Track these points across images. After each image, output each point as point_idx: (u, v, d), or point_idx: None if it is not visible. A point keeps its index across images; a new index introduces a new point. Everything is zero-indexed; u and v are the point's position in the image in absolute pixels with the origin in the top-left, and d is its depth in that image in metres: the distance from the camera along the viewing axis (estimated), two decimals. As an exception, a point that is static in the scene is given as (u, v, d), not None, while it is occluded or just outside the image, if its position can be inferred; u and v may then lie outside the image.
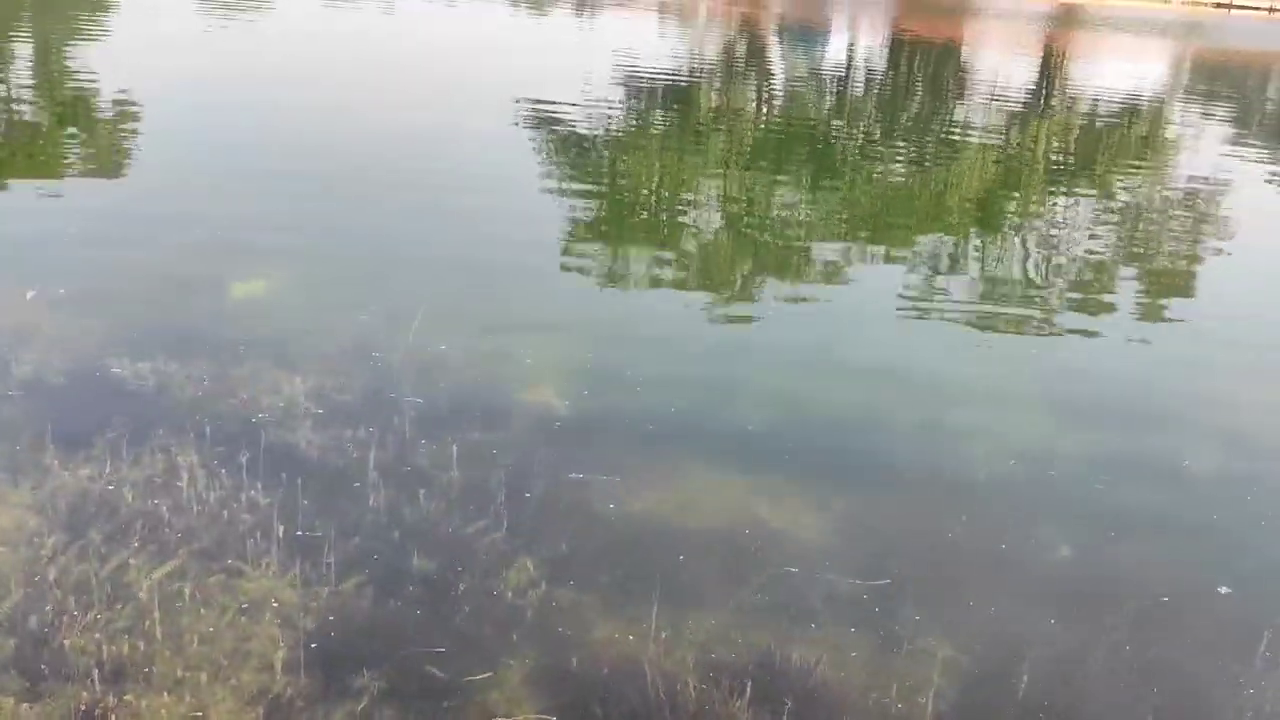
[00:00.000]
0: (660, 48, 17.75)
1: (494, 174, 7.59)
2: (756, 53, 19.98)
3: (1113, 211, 9.18)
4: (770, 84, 15.74)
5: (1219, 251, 7.99)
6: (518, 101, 10.74)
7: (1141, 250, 7.86)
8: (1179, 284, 7.05)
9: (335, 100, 9.64)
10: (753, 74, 16.70)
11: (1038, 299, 6.30)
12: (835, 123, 12.95)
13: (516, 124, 9.84)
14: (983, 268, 6.99)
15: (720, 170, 9.33)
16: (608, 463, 3.32)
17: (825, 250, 6.92)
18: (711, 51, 19.03)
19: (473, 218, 6.27)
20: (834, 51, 20.71)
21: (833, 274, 6.32)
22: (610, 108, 11.50)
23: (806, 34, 23.31)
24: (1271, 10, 55.41)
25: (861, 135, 12.12)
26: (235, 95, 9.39)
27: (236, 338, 3.94)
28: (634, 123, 11.23)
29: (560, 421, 3.56)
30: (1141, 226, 8.72)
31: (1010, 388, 4.20)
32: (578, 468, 3.26)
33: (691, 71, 15.87)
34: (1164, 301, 6.48)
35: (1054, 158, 11.65)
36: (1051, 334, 5.47)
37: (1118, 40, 26.45)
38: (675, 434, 3.55)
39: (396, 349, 3.92)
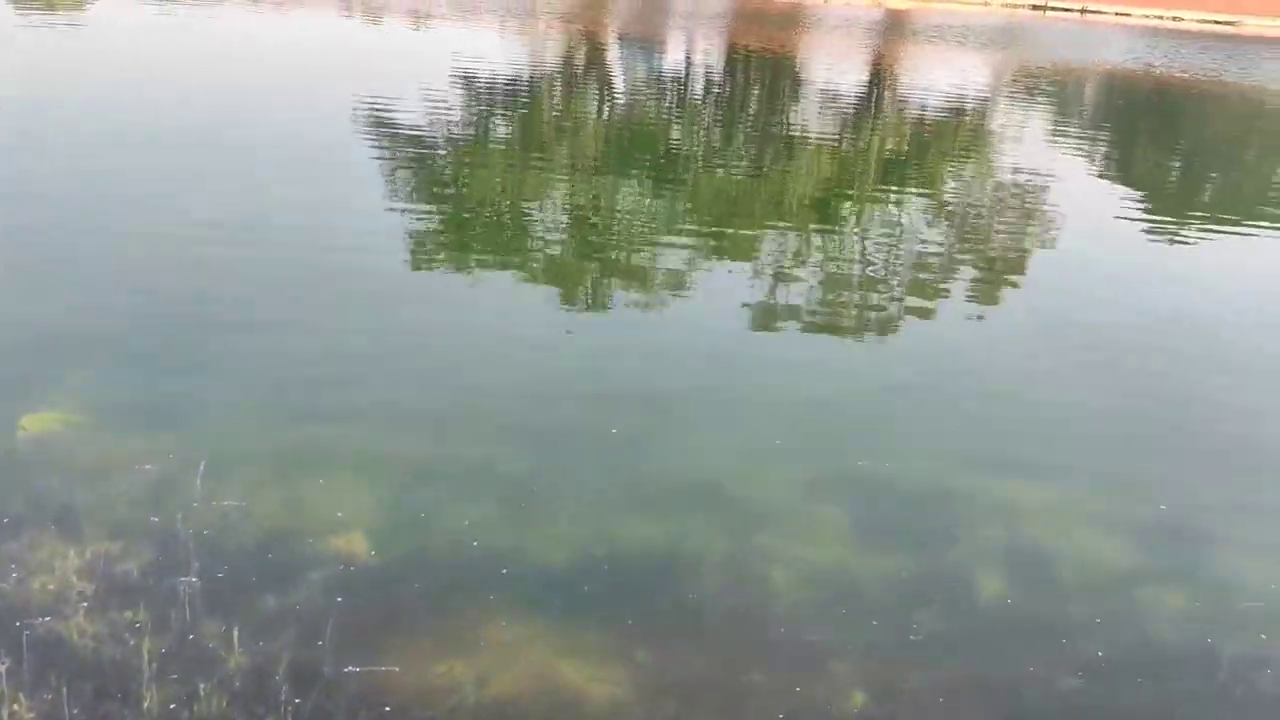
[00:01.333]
0: (500, 58, 17.66)
1: (322, 193, 7.46)
2: (597, 63, 20.05)
3: (942, 206, 9.77)
4: (611, 92, 15.87)
5: (1043, 243, 8.63)
6: (354, 112, 10.73)
7: (970, 243, 8.44)
8: (1007, 274, 7.63)
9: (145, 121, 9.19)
10: (594, 83, 16.81)
11: (877, 293, 6.78)
12: (676, 129, 13.21)
13: (352, 134, 9.81)
14: (823, 263, 7.39)
15: (566, 176, 9.39)
16: (404, 630, 3.22)
17: (671, 254, 7.17)
18: (552, 62, 19.02)
19: (304, 240, 6.18)
20: (672, 61, 20.96)
21: (678, 279, 6.63)
22: (450, 116, 11.51)
23: (645, 44, 23.50)
24: (1084, 11, 58.83)
25: (702, 141, 12.40)
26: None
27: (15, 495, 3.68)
28: (475, 131, 11.25)
29: (361, 575, 3.44)
30: (970, 220, 9.34)
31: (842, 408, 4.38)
32: (370, 642, 3.14)
33: (533, 80, 15.90)
34: (994, 291, 7.05)
35: (886, 158, 12.23)
36: (887, 328, 5.94)
37: (943, 46, 27.61)
38: (480, 581, 3.48)
39: (188, 496, 3.71)
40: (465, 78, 14.97)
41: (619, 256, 7.23)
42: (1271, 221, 10.22)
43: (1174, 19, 60.76)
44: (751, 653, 3.17)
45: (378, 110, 11.23)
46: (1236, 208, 10.84)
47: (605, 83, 16.88)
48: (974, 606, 3.29)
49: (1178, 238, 9.18)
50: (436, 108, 12.00)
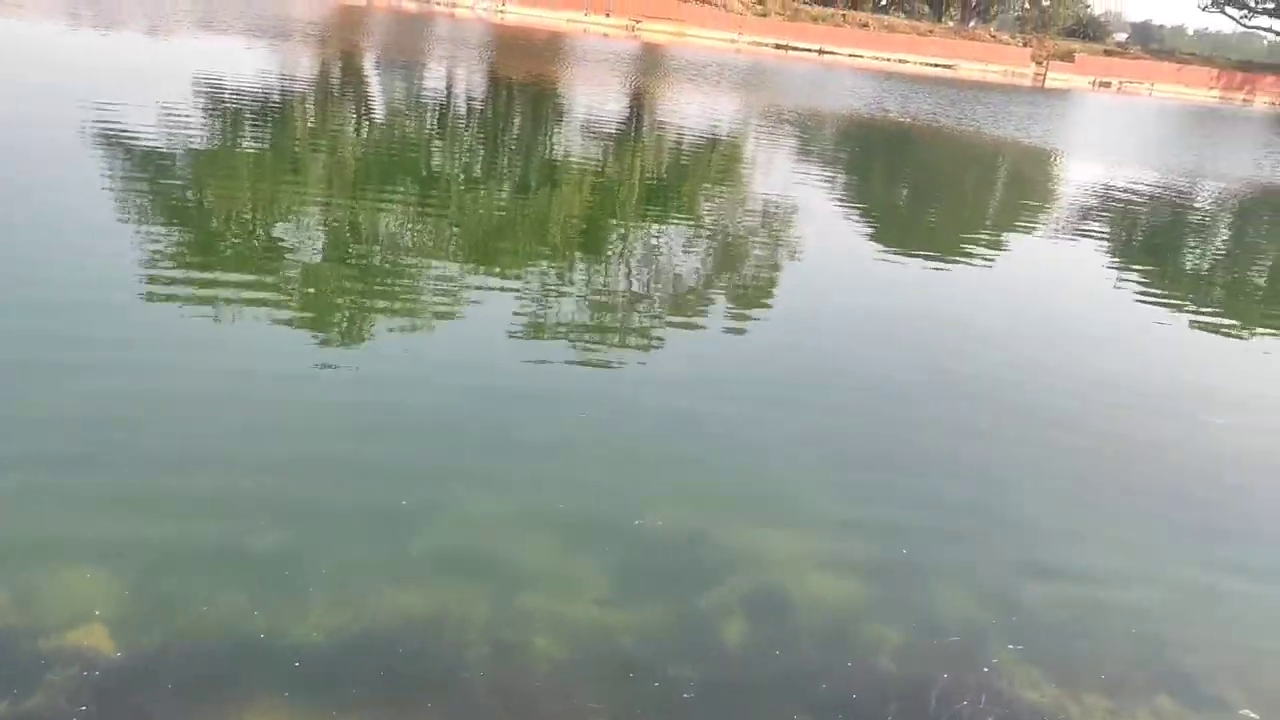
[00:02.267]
0: (251, 76, 17.01)
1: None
2: (354, 84, 19.68)
3: (700, 233, 10.34)
4: (370, 114, 15.65)
5: (792, 263, 9.31)
6: (81, 129, 10.09)
7: (726, 268, 8.96)
8: (760, 294, 8.20)
9: None
10: (351, 104, 16.52)
11: (647, 314, 7.11)
12: (438, 153, 13.23)
13: (77, 153, 9.24)
14: (587, 287, 7.63)
15: (322, 199, 9.25)
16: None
17: (434, 280, 7.24)
18: (306, 82, 18.47)
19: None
20: (433, 86, 20.82)
21: (441, 305, 6.72)
22: (193, 136, 11.05)
23: (405, 68, 23.21)
24: (821, 52, 63.05)
25: (466, 165, 12.48)
26: None
27: None
28: (222, 151, 10.85)
29: (106, 677, 3.25)
30: (726, 246, 9.91)
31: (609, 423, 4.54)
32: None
33: (285, 100, 15.43)
34: (747, 317, 7.51)
35: (648, 185, 12.76)
36: (652, 346, 6.30)
37: (699, 82, 28.87)
38: (236, 671, 3.37)
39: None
40: (211, 95, 14.36)
41: (379, 284, 7.14)
42: (988, 248, 11.43)
43: (900, 61, 66.11)
44: (514, 717, 3.26)
45: (108, 128, 10.58)
46: (955, 236, 12.00)
47: (363, 104, 16.59)
48: (722, 654, 3.52)
49: (908, 261, 10.09)
50: (177, 126, 11.44)
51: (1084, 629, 3.75)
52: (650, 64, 36.82)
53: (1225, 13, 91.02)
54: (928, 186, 16.33)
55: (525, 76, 25.23)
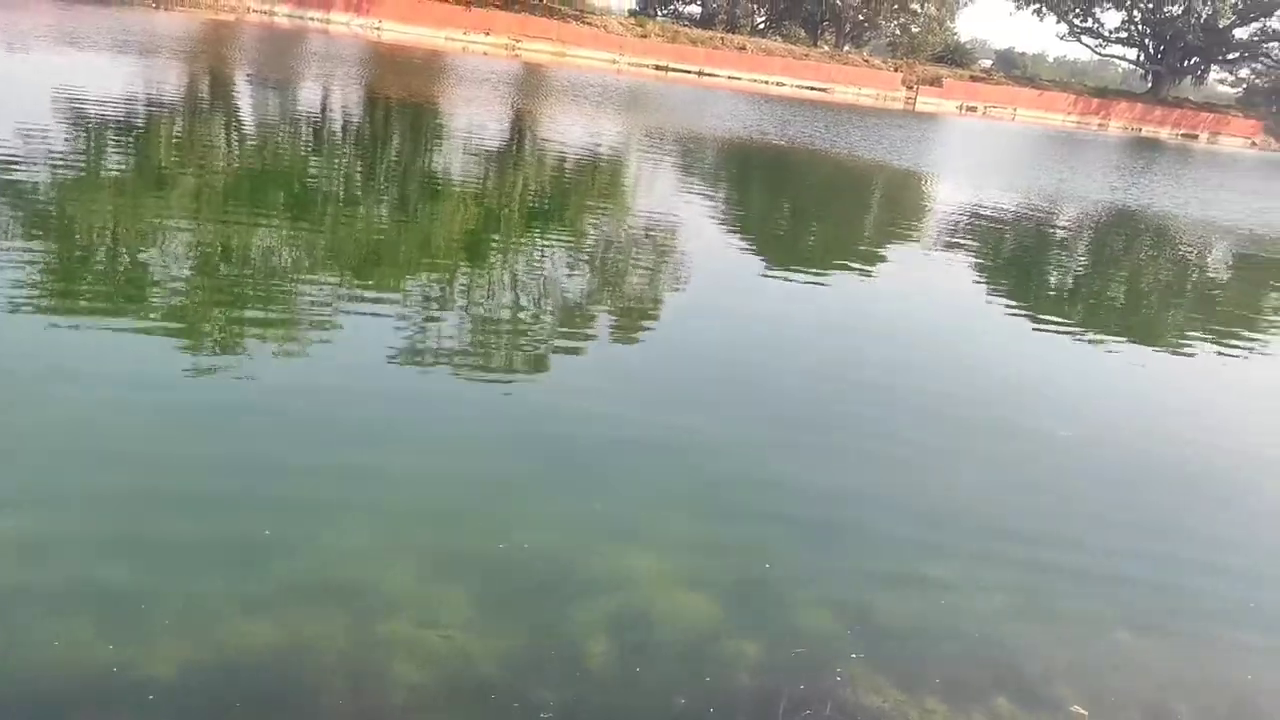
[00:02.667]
0: (117, 91, 16.47)
1: None
2: (225, 100, 19.22)
3: (585, 245, 10.54)
4: (241, 131, 15.32)
5: (676, 282, 9.52)
6: None
7: (612, 282, 9.09)
8: (646, 311, 8.36)
9: None
10: (221, 121, 16.16)
11: (525, 334, 7.17)
12: (314, 171, 13.06)
13: None
14: (467, 307, 7.64)
15: (190, 217, 9.10)
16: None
17: (309, 300, 7.15)
18: (175, 97, 17.94)
19: None
20: (308, 104, 20.46)
21: (317, 326, 6.64)
22: (52, 152, 10.70)
23: (278, 85, 22.73)
24: (700, 74, 64.12)
25: (343, 184, 12.34)
26: None
27: None
28: (83, 168, 10.52)
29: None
30: (610, 261, 9.98)
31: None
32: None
33: (152, 116, 15.02)
34: (636, 326, 7.73)
35: (531, 199, 12.85)
36: (530, 366, 6.42)
37: (581, 103, 29.04)
38: (82, 711, 3.26)
39: None
40: (73, 113, 13.84)
41: (245, 306, 6.99)
42: (865, 265, 11.86)
43: (778, 84, 67.74)
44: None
45: None
46: (833, 254, 12.40)
47: (234, 123, 16.19)
48: (583, 675, 3.57)
49: (790, 279, 10.40)
50: (35, 145, 10.99)
51: (928, 635, 3.92)
52: (532, 84, 36.89)
53: (1082, 41, 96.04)
54: (807, 207, 16.79)
55: (404, 96, 24.99)
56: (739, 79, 66.03)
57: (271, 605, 3.76)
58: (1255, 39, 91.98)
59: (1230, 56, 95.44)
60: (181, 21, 41.36)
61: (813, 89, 68.27)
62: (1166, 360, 9.14)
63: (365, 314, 7.05)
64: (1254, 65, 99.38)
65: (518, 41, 59.22)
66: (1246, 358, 9.37)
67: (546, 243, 10.57)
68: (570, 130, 22.46)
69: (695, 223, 12.83)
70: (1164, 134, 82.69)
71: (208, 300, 6.90)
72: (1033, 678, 3.72)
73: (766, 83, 66.92)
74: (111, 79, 18.43)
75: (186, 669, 3.43)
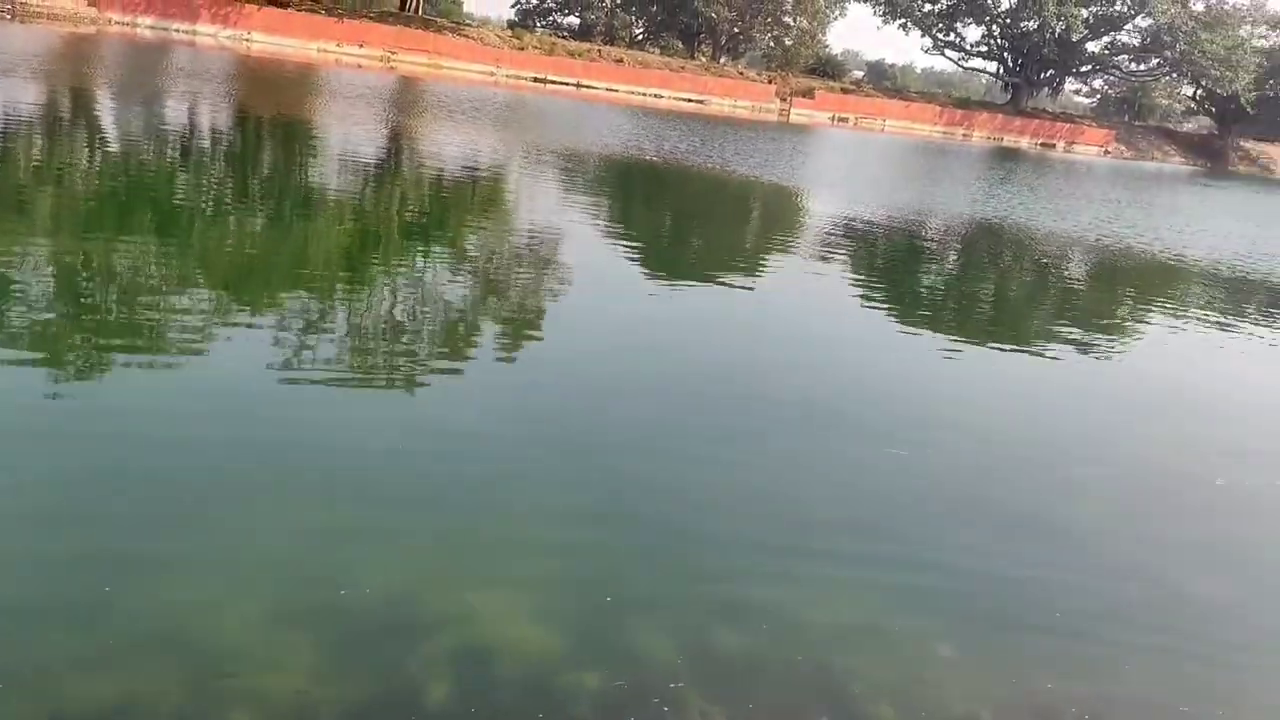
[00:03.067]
0: None
1: None
2: (85, 117, 18.56)
3: (467, 259, 10.66)
4: (104, 147, 14.87)
5: (559, 294, 9.75)
6: None
7: (496, 295, 9.24)
8: (522, 330, 8.42)
9: None
10: (83, 137, 15.65)
11: (404, 350, 7.24)
12: (183, 188, 12.81)
13: None
14: (349, 323, 7.69)
15: (48, 236, 8.99)
16: None
17: (179, 319, 7.11)
18: (31, 116, 17.23)
19: None
20: (175, 120, 19.88)
21: (186, 347, 6.62)
22: None
23: (143, 101, 22.01)
24: (579, 85, 64.44)
25: (214, 200, 12.13)
26: None
27: None
28: None
29: None
30: (494, 272, 10.21)
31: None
32: None
33: (6, 135, 14.48)
34: (512, 345, 7.84)
35: (410, 215, 12.83)
36: (416, 384, 6.48)
37: (459, 117, 28.86)
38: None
39: None
40: None
41: (117, 324, 6.90)
42: (745, 274, 12.24)
43: (655, 95, 68.50)
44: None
45: None
46: (708, 267, 12.70)
47: (96, 142, 15.65)
48: (421, 716, 3.63)
49: (666, 293, 10.70)
50: None
51: (762, 661, 4.10)
52: (408, 99, 36.49)
53: (945, 55, 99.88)
54: (684, 222, 17.08)
55: (276, 112, 24.47)
56: (617, 91, 66.56)
57: (104, 663, 3.71)
58: (1106, 52, 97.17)
59: (1083, 69, 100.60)
60: (39, 34, 39.59)
61: (690, 100, 69.28)
62: (1017, 365, 9.62)
63: (229, 339, 6.96)
64: (1106, 76, 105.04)
65: (393, 54, 58.46)
66: (1092, 360, 9.95)
67: (423, 260, 10.56)
68: (447, 146, 22.35)
69: (573, 238, 12.98)
70: (1024, 143, 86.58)
71: (52, 329, 6.70)
72: (861, 700, 3.93)
73: (644, 94, 67.62)
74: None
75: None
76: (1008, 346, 10.49)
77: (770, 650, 4.18)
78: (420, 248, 11.17)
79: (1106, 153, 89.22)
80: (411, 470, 5.39)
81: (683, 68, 74.45)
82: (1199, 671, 4.48)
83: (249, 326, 7.31)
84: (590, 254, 12.33)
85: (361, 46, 57.53)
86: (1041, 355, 10.09)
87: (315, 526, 4.76)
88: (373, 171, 16.74)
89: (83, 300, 7.35)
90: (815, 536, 5.23)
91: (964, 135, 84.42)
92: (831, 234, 17.06)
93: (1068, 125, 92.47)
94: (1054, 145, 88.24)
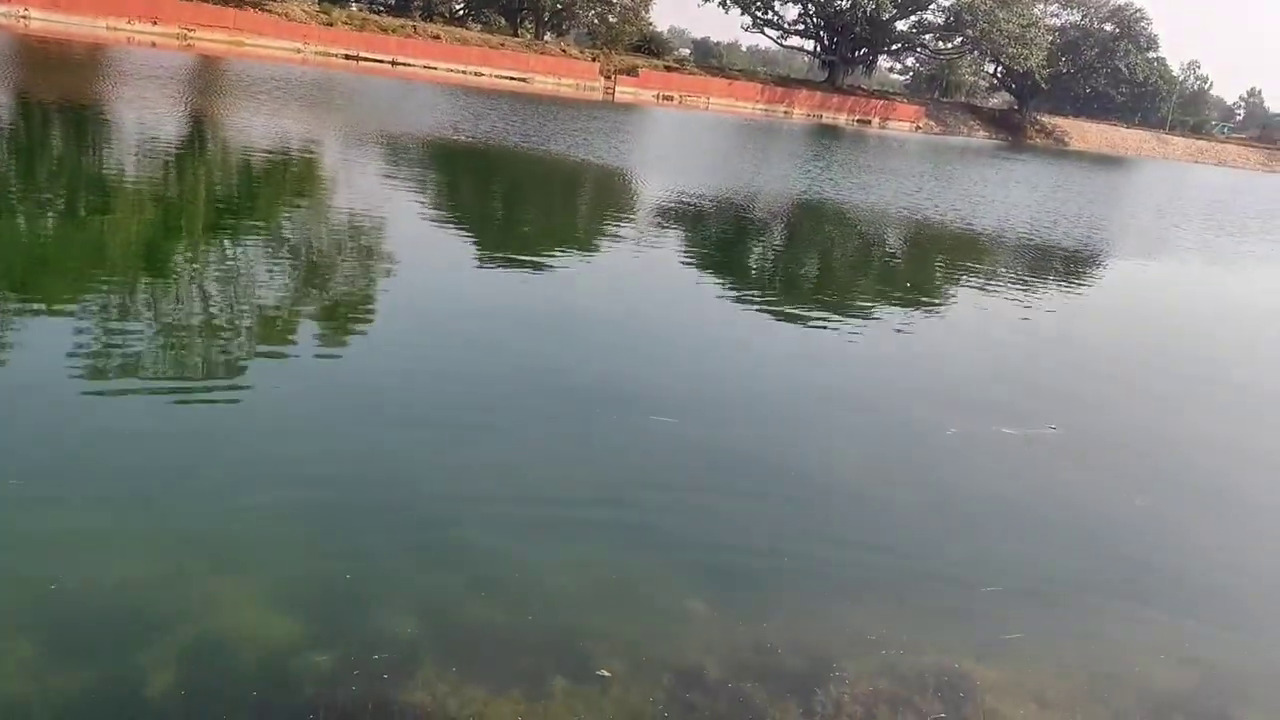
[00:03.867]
0: None
1: None
2: None
3: (284, 247, 10.42)
4: None
5: (387, 278, 9.76)
6: None
7: (318, 281, 9.17)
8: (357, 310, 8.49)
9: None
10: None
11: (221, 341, 7.05)
12: None
13: None
14: (159, 315, 7.44)
15: None
16: None
17: None
18: None
19: None
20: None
21: None
22: None
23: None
24: (394, 63, 62.92)
25: None
26: None
27: None
28: None
29: None
30: (313, 259, 10.04)
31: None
32: None
33: None
34: (341, 332, 7.83)
35: (219, 203, 12.42)
36: (230, 382, 6.38)
37: (267, 99, 27.74)
38: None
39: None
40: None
41: None
42: (567, 256, 12.50)
43: (476, 74, 67.60)
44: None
45: None
46: (533, 248, 12.76)
47: None
48: (145, 711, 3.59)
49: (495, 274, 10.79)
50: None
51: (507, 633, 4.23)
52: (207, 79, 34.84)
53: (765, 33, 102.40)
54: (510, 207, 17.01)
55: (61, 97, 22.92)
56: (435, 68, 65.30)
57: None
58: (913, 30, 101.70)
59: (894, 47, 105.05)
60: None
61: (512, 79, 68.68)
62: (801, 334, 10.05)
63: (22, 336, 6.67)
64: (916, 54, 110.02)
65: (190, 31, 55.53)
66: (875, 326, 10.50)
67: (231, 250, 10.17)
68: (252, 130, 21.47)
69: (392, 225, 12.78)
70: (842, 120, 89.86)
71: None
72: (596, 661, 4.10)
73: (464, 72, 66.61)
74: None
75: None
76: (799, 314, 10.95)
77: (515, 618, 4.30)
78: (228, 238, 10.75)
79: (918, 128, 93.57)
80: (180, 466, 5.25)
81: (503, 44, 73.69)
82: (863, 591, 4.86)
83: (43, 326, 6.94)
84: (410, 241, 12.14)
85: (155, 24, 54.35)
86: (831, 325, 10.57)
87: (53, 527, 4.60)
88: (171, 158, 15.97)
89: None
90: (567, 505, 5.39)
91: (785, 112, 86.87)
92: (655, 214, 17.33)
93: (882, 102, 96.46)
94: (869, 122, 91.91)
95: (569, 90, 69.46)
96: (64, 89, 24.44)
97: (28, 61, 31.64)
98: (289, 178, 15.77)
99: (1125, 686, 4.40)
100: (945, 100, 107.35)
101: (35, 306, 7.40)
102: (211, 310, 7.90)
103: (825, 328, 10.35)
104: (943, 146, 64.97)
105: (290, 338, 7.51)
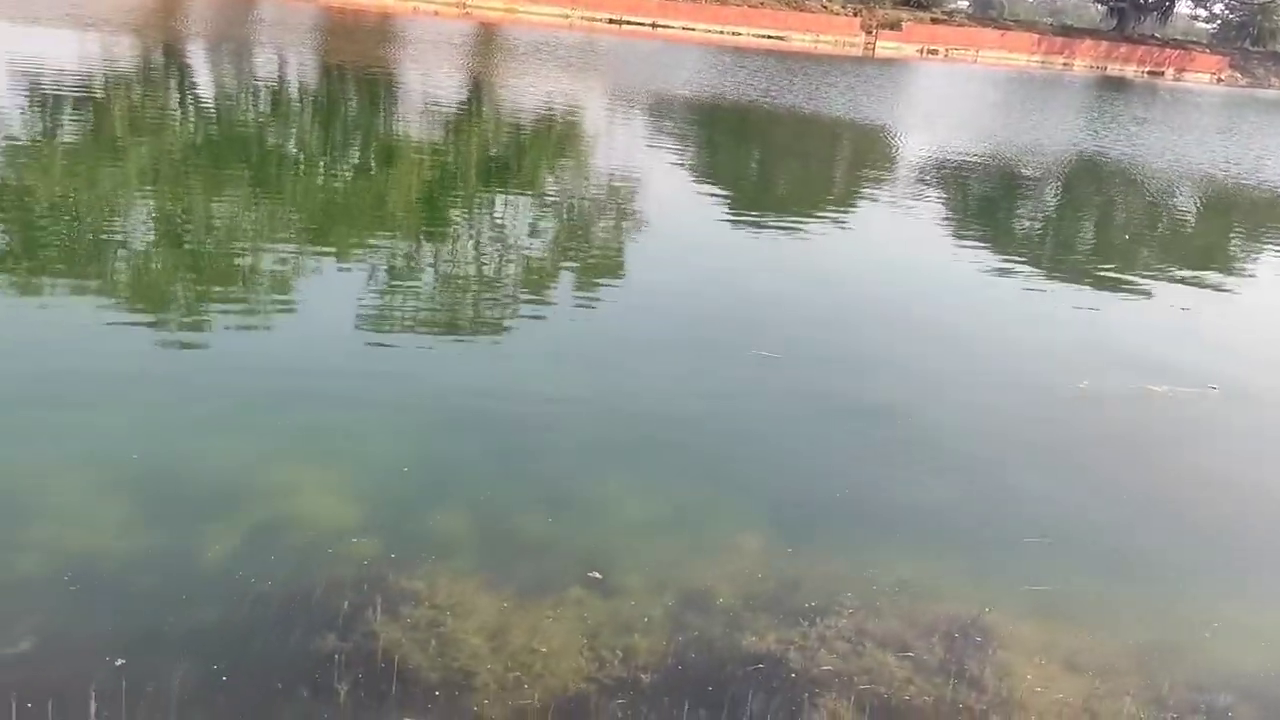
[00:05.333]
0: (69, 61, 16.76)
1: None
2: (178, 69, 19.41)
3: (545, 204, 11.06)
4: (197, 98, 15.60)
5: (638, 237, 10.00)
6: None
7: (575, 240, 9.57)
8: (610, 268, 8.74)
9: None
10: (175, 89, 16.46)
11: (489, 294, 7.58)
12: (272, 136, 13.47)
13: None
14: (434, 267, 8.13)
15: (147, 184, 9.63)
16: None
17: (272, 263, 7.61)
18: (126, 67, 18.17)
19: None
20: (263, 70, 20.59)
21: (285, 286, 7.13)
22: (10, 123, 11.42)
23: (232, 53, 22.79)
24: (655, 26, 63.71)
25: (301, 148, 12.74)
26: None
27: None
28: (35, 138, 11.07)
29: None
30: (572, 215, 10.60)
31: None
32: None
33: (108, 84, 15.37)
34: (599, 283, 8.10)
35: (489, 161, 13.37)
36: (506, 328, 6.87)
37: (537, 62, 29.03)
38: None
39: None
40: (24, 84, 14.21)
41: (215, 269, 7.41)
42: (838, 210, 12.59)
43: (734, 33, 67.30)
44: None
45: None
46: (795, 208, 12.82)
47: (188, 92, 16.39)
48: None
49: (757, 235, 10.84)
50: None
51: (547, 542, 4.37)
52: (486, 44, 36.76)
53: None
54: (770, 165, 17.03)
55: (357, 61, 24.99)
56: (694, 30, 65.60)
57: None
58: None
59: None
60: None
61: (769, 37, 67.94)
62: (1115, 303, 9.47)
63: (326, 275, 7.52)
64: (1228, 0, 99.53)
65: (468, 0, 58.57)
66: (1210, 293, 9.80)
67: (501, 206, 10.85)
68: (528, 91, 22.55)
69: (654, 183, 13.08)
70: (1129, 71, 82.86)
71: (174, 269, 7.31)
72: (617, 569, 4.21)
73: (722, 33, 66.54)
74: (58, 53, 18.41)
75: None
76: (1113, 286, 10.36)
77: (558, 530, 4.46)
78: (496, 193, 11.48)
79: (1219, 80, 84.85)
80: (487, 413, 5.57)
81: (761, 3, 72.89)
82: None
83: (332, 273, 7.71)
84: (671, 199, 12.34)
85: (438, -7, 57.67)
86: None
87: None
88: (448, 119, 17.11)
89: (190, 245, 7.94)
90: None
91: (1064, 64, 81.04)
92: (916, 174, 16.70)
93: (1177, 52, 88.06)
94: (1161, 73, 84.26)
95: (827, 47, 67.95)
96: (358, 55, 26.56)
97: (329, 30, 34.56)
98: (553, 137, 16.46)
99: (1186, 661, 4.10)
100: (1255, 50, 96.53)
101: (326, 256, 8.15)
102: (480, 262, 8.49)
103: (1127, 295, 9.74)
104: (1250, 100, 58.52)
105: (546, 291, 7.88)
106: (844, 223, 12.13)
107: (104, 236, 7.83)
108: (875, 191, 14.43)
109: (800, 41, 68.79)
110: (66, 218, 8.21)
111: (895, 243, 11.42)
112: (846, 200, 13.87)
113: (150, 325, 6.32)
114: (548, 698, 3.42)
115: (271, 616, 3.69)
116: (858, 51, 68.33)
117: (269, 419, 5.25)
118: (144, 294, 6.86)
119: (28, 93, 13.68)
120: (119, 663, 3.38)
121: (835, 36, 72.01)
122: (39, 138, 11.18)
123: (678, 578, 4.18)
